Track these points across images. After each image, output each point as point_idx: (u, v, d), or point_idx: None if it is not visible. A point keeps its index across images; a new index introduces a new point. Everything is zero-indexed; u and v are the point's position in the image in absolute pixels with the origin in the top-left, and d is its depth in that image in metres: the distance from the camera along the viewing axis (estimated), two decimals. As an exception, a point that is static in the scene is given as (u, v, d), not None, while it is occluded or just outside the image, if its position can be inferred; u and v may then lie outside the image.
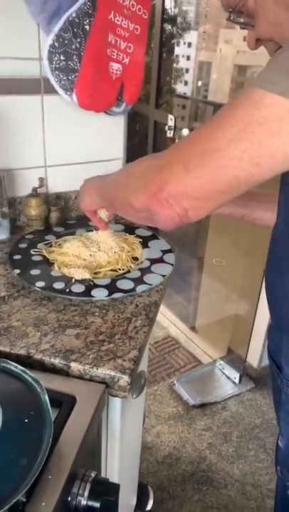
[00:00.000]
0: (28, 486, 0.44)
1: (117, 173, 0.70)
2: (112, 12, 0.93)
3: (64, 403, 0.58)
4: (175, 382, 1.93)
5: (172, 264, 0.92)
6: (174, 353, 2.20)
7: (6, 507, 0.42)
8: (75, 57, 0.93)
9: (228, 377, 1.98)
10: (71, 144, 1.10)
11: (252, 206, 0.79)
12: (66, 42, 0.91)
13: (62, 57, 0.92)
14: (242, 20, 0.60)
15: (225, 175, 0.48)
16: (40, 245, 0.95)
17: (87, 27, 0.92)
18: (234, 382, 1.96)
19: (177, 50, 3.30)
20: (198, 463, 1.60)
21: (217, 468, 1.58)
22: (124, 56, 0.99)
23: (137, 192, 0.56)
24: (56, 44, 0.91)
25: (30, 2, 0.87)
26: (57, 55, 0.92)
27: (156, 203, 0.53)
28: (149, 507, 1.37)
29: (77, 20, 0.91)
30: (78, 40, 0.92)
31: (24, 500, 0.45)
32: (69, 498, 0.52)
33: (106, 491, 0.55)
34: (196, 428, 1.73)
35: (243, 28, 0.62)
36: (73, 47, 0.92)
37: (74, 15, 0.90)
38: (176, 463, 1.59)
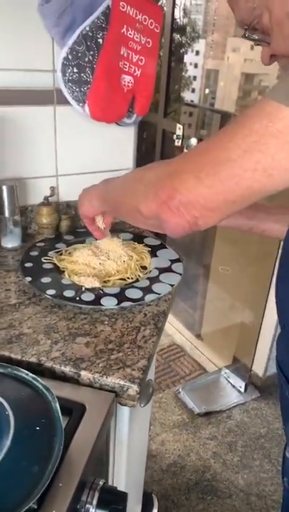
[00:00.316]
0: (39, 494, 0.45)
1: (122, 178, 0.70)
2: (125, 26, 0.95)
3: (74, 411, 0.59)
4: (180, 390, 1.93)
5: (180, 274, 0.93)
6: (180, 360, 2.20)
7: (19, 514, 0.43)
8: (87, 69, 0.95)
9: (234, 386, 1.98)
10: (82, 154, 1.12)
11: (260, 218, 0.80)
12: (79, 55, 0.93)
13: (75, 70, 0.94)
14: (257, 36, 0.61)
15: (237, 185, 0.48)
16: (50, 253, 0.97)
17: (100, 40, 0.94)
18: (239, 391, 1.96)
19: (185, 58, 3.33)
20: (202, 472, 1.59)
21: (222, 478, 1.57)
22: (136, 69, 1.00)
23: (147, 199, 0.56)
24: (70, 57, 0.93)
25: (46, 16, 0.90)
26: (70, 68, 0.94)
27: (167, 210, 0.53)
28: (153, 515, 1.36)
29: (90, 33, 0.93)
30: (91, 53, 0.94)
31: (35, 507, 0.46)
32: (78, 506, 0.53)
33: (114, 500, 0.56)
34: (200, 437, 1.73)
35: (258, 45, 0.63)
36: (86, 59, 0.94)
37: (87, 28, 0.92)
38: (180, 471, 1.59)
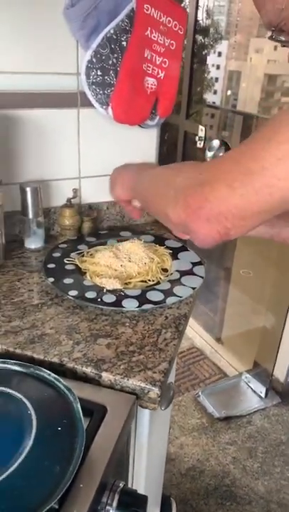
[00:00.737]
0: (61, 494, 0.45)
1: (152, 175, 0.68)
2: (149, 28, 0.95)
3: (95, 412, 0.59)
4: (200, 393, 1.91)
5: (202, 277, 0.92)
6: (199, 364, 2.19)
7: (40, 513, 0.43)
8: (111, 72, 0.96)
9: (254, 391, 1.95)
10: (105, 156, 1.12)
11: (281, 225, 0.78)
12: (103, 57, 0.94)
13: (99, 72, 0.95)
14: (283, 38, 0.60)
15: (271, 195, 0.47)
16: (73, 255, 0.97)
17: (124, 43, 0.95)
18: (260, 396, 1.93)
19: (208, 60, 3.32)
20: (222, 477, 1.58)
21: (241, 484, 1.55)
22: (160, 71, 1.00)
23: (176, 205, 0.55)
24: (94, 60, 0.94)
25: (71, 20, 0.91)
26: (94, 70, 0.95)
27: (196, 220, 0.52)
28: (171, 519, 1.36)
29: (114, 36, 0.93)
30: (115, 55, 0.95)
31: (57, 507, 0.47)
32: (98, 508, 0.53)
33: (134, 503, 0.56)
34: (220, 441, 1.71)
35: (284, 46, 0.62)
36: (110, 62, 0.95)
37: (112, 31, 0.93)
38: (199, 476, 1.58)
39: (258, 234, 0.78)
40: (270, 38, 0.60)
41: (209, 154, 2.09)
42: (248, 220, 0.51)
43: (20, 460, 0.49)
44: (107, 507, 0.54)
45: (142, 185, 0.70)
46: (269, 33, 0.59)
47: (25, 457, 0.49)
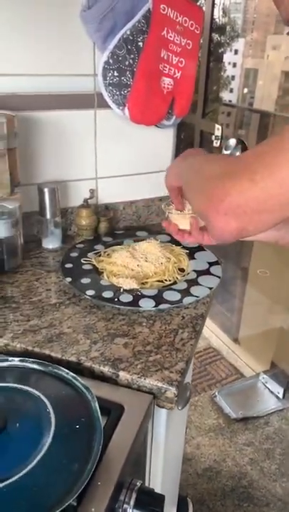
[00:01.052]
0: (79, 491, 0.46)
1: (192, 161, 0.65)
2: (165, 28, 0.95)
3: (112, 411, 0.59)
4: (216, 394, 1.90)
5: (219, 277, 0.92)
6: (216, 364, 2.17)
7: (59, 510, 0.44)
8: (128, 73, 0.96)
9: (272, 392, 1.93)
10: (121, 157, 1.13)
11: (287, 229, 0.75)
12: (120, 58, 0.95)
13: (115, 73, 0.96)
14: None
15: None
16: (90, 254, 0.98)
17: (140, 43, 0.95)
18: (278, 397, 1.91)
19: (224, 58, 3.29)
20: (239, 478, 1.57)
21: (259, 486, 1.54)
22: (176, 71, 1.00)
23: (200, 195, 0.54)
24: (111, 61, 0.94)
25: (88, 22, 0.91)
26: (111, 71, 0.95)
27: (214, 213, 0.51)
28: (188, 519, 1.36)
29: (131, 37, 0.94)
30: (132, 56, 0.95)
31: (75, 504, 0.47)
32: (116, 506, 0.53)
33: (152, 502, 0.56)
34: (237, 442, 1.70)
35: None
36: (127, 63, 0.95)
37: (128, 32, 0.93)
38: (216, 476, 1.57)
39: (264, 237, 0.74)
40: None
41: (226, 153, 2.08)
42: (268, 215, 0.49)
43: (39, 457, 0.50)
44: (125, 505, 0.55)
45: (182, 172, 0.68)
46: (288, 29, 0.59)
47: (44, 454, 0.50)
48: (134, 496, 0.56)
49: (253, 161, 0.49)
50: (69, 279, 0.88)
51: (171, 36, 0.97)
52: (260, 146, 0.50)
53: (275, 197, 0.47)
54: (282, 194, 0.47)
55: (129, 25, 0.92)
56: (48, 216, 1.01)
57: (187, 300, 0.83)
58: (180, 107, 1.04)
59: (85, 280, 0.88)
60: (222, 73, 3.18)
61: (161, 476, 0.79)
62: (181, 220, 0.75)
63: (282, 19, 0.60)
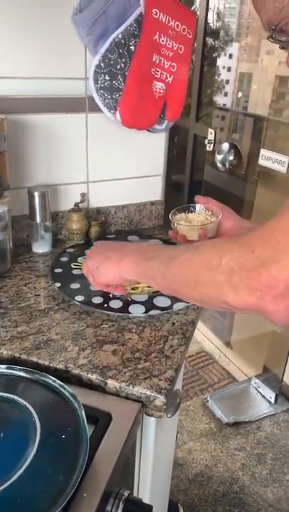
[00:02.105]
0: (64, 503, 0.45)
1: (182, 258, 0.58)
2: (157, 33, 0.95)
3: (100, 420, 0.59)
4: (208, 398, 1.90)
5: (210, 282, 0.91)
6: (208, 368, 2.17)
7: (43, 523, 0.43)
8: (119, 76, 0.96)
9: (264, 397, 1.93)
10: (113, 161, 1.12)
11: None
12: (112, 62, 0.94)
13: (107, 77, 0.95)
14: (284, 38, 0.58)
15: None
16: (80, 259, 0.97)
17: (132, 47, 0.95)
18: (269, 402, 1.90)
19: (218, 62, 3.30)
20: (230, 484, 1.56)
21: (250, 491, 1.53)
22: (168, 75, 1.00)
23: (238, 291, 0.50)
24: (102, 64, 0.94)
25: (79, 25, 0.91)
26: (102, 75, 0.95)
27: (272, 301, 0.48)
28: (178, 526, 1.35)
29: (122, 41, 0.93)
30: (123, 60, 0.95)
31: (60, 516, 0.46)
32: (103, 517, 0.52)
33: (139, 512, 0.55)
34: (228, 447, 1.69)
35: (283, 48, 0.60)
36: (118, 67, 0.95)
37: (120, 36, 0.93)
38: (207, 482, 1.56)
39: None
40: (270, 38, 0.58)
41: (219, 157, 2.08)
42: None
43: (23, 468, 0.49)
44: (112, 516, 0.54)
45: (166, 273, 0.60)
46: (268, 34, 0.58)
47: (28, 465, 0.49)
48: (121, 506, 0.55)
49: (286, 237, 0.47)
50: (58, 285, 0.87)
51: (163, 40, 0.96)
52: (285, 217, 0.47)
53: None
54: None
55: (121, 28, 0.92)
56: (38, 220, 1.00)
57: (177, 306, 0.83)
58: (172, 112, 1.04)
59: (75, 285, 0.87)
60: (216, 77, 3.19)
61: (150, 484, 0.78)
62: (190, 232, 0.75)
63: (262, 23, 0.59)
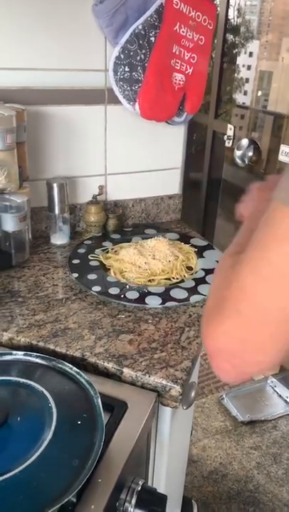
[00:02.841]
0: (79, 487, 0.45)
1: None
2: (178, 23, 0.94)
3: (116, 408, 0.58)
4: (224, 396, 1.88)
5: (228, 276, 0.90)
6: (224, 366, 2.15)
7: (58, 505, 0.43)
8: (139, 68, 0.95)
9: (280, 396, 1.90)
10: (131, 153, 1.12)
11: None
12: (131, 53, 0.94)
13: (126, 69, 0.95)
14: None
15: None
16: (97, 251, 0.97)
17: (152, 38, 0.94)
18: (286, 402, 1.88)
19: (238, 60, 3.27)
20: (245, 482, 1.54)
21: (265, 490, 1.51)
22: (188, 66, 0.99)
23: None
24: (122, 56, 0.94)
25: (100, 16, 0.91)
26: (122, 67, 0.95)
27: (211, 355, 0.41)
28: (192, 522, 1.34)
29: (143, 32, 0.93)
30: (143, 51, 0.94)
31: (74, 500, 0.46)
32: (117, 504, 0.52)
33: (153, 501, 0.55)
34: (244, 445, 1.68)
35: None
36: (138, 58, 0.95)
37: (140, 27, 0.92)
38: (221, 479, 1.55)
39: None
40: None
41: (238, 153, 2.06)
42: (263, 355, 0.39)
43: (39, 452, 0.49)
44: (126, 504, 0.54)
45: None
46: None
47: (44, 450, 0.49)
48: (135, 494, 0.55)
49: (231, 301, 0.38)
50: (76, 275, 0.87)
51: (183, 31, 0.96)
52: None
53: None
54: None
55: (141, 19, 0.92)
56: (57, 212, 1.01)
57: (194, 298, 0.82)
58: (191, 104, 1.03)
59: (92, 276, 0.87)
60: (236, 75, 3.16)
61: (165, 476, 0.77)
62: None
63: None
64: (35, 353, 0.64)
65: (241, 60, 3.36)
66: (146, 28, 0.93)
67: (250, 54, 3.44)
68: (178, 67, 0.99)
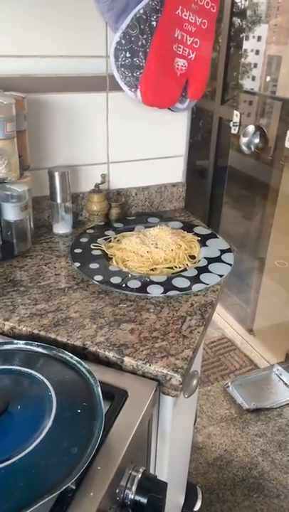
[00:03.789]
0: (78, 474, 0.45)
1: None
2: (180, 7, 0.92)
3: (116, 397, 0.59)
4: (229, 384, 1.89)
5: (231, 264, 0.90)
6: (230, 354, 2.15)
7: (57, 492, 0.43)
8: (140, 53, 0.94)
9: (286, 384, 1.90)
10: (133, 141, 1.11)
11: None
12: (133, 39, 0.92)
13: (128, 54, 0.93)
14: None
15: None
16: (99, 240, 0.97)
17: (154, 23, 0.92)
18: (292, 390, 1.88)
19: (245, 45, 3.20)
20: (249, 469, 1.55)
21: (269, 477, 1.53)
22: (190, 51, 0.97)
23: None
24: (123, 41, 0.92)
25: (100, 0, 0.89)
26: (123, 52, 0.93)
27: None
28: (196, 508, 1.35)
29: (144, 16, 0.91)
30: (145, 36, 0.93)
31: (74, 487, 0.47)
32: (117, 491, 0.52)
33: (154, 488, 0.56)
34: (248, 433, 1.69)
35: None
36: (139, 43, 0.93)
37: (141, 11, 0.90)
38: (226, 466, 1.56)
39: None
40: None
41: (244, 140, 2.03)
42: None
43: (39, 439, 0.49)
44: (126, 491, 0.54)
45: None
46: None
47: (44, 437, 0.50)
48: (136, 481, 0.55)
49: None
50: (77, 264, 0.87)
51: (185, 15, 0.94)
52: None
53: None
54: None
55: (143, 3, 0.90)
56: (59, 201, 1.00)
57: (196, 287, 0.81)
58: (194, 90, 1.01)
59: (94, 265, 0.87)
60: (243, 59, 3.10)
61: (167, 463, 0.78)
62: None
63: None
64: (36, 342, 0.64)
65: (249, 44, 3.30)
66: (148, 12, 0.91)
67: (259, 38, 3.36)
68: (180, 52, 0.97)
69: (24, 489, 0.44)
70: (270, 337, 2.21)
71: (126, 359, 0.65)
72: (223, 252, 0.95)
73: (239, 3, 2.88)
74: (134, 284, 0.82)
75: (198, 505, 1.36)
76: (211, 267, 0.89)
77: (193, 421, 1.17)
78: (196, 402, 1.17)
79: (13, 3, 0.87)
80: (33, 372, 0.59)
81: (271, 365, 2.01)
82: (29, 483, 0.45)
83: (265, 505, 1.44)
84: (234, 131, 2.10)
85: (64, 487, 0.44)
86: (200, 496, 1.39)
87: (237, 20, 2.88)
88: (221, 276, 0.86)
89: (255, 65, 3.43)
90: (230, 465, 1.57)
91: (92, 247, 0.95)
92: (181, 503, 1.27)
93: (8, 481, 0.45)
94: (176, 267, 0.89)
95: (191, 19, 0.95)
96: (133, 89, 0.96)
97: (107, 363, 0.66)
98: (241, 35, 3.11)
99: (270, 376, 1.96)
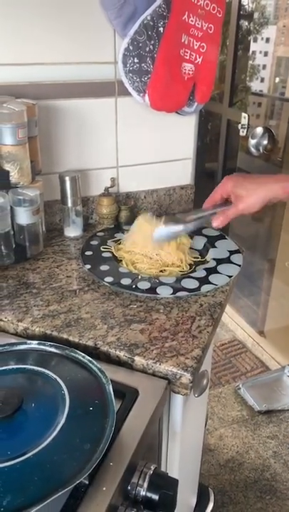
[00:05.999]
0: (91, 469, 0.46)
1: None
2: (187, 13, 0.94)
3: (127, 395, 0.60)
4: (240, 386, 1.89)
5: (239, 265, 0.91)
6: (241, 356, 2.15)
7: (71, 487, 0.45)
8: (148, 59, 0.95)
9: (298, 386, 1.90)
10: (142, 145, 1.12)
11: None
12: (140, 45, 0.94)
13: (136, 60, 0.95)
14: None
15: None
16: (109, 242, 0.99)
17: (161, 29, 0.94)
18: (304, 391, 1.87)
19: (254, 47, 3.21)
20: (261, 471, 1.55)
21: (282, 479, 1.52)
22: (197, 56, 0.99)
23: None
24: (131, 47, 0.94)
25: (108, 8, 0.91)
26: (131, 58, 0.95)
27: None
28: (208, 509, 1.36)
29: (151, 23, 0.93)
30: (152, 42, 0.94)
31: (87, 482, 0.48)
32: (128, 487, 0.54)
33: (165, 485, 0.56)
34: (260, 435, 1.68)
35: None
36: (147, 49, 0.95)
37: (149, 18, 0.92)
38: (238, 468, 1.56)
39: None
40: None
41: (252, 142, 2.04)
42: None
43: (52, 436, 0.51)
44: (138, 487, 0.55)
45: None
46: None
47: (57, 434, 0.51)
48: (147, 478, 0.56)
49: None
50: (88, 266, 0.89)
51: (192, 20, 0.95)
52: None
53: None
54: None
55: (150, 10, 0.91)
56: (70, 205, 1.02)
57: (205, 288, 0.82)
58: (201, 93, 1.03)
59: (104, 267, 0.89)
60: (251, 62, 3.10)
61: (178, 462, 0.79)
62: None
63: None
64: (49, 342, 0.66)
65: (257, 46, 3.29)
66: (155, 18, 0.92)
67: (267, 40, 3.36)
68: (187, 57, 0.98)
69: (39, 483, 0.46)
70: (281, 339, 2.20)
71: (136, 358, 0.66)
72: (232, 253, 0.96)
73: (246, 6, 2.89)
74: (144, 285, 0.83)
75: (210, 507, 1.36)
76: (219, 267, 0.90)
77: (204, 422, 1.18)
78: (207, 403, 1.17)
79: (22, 13, 0.89)
80: (46, 372, 0.61)
81: (282, 367, 2.00)
82: (44, 477, 0.46)
83: (277, 507, 1.43)
84: (242, 133, 2.10)
85: (77, 482, 0.45)
86: (212, 497, 1.39)
87: (244, 23, 2.89)
88: (229, 277, 0.86)
89: (264, 67, 3.43)
90: (242, 467, 1.56)
91: (102, 249, 0.96)
92: (193, 505, 1.28)
93: (23, 475, 0.46)
94: (184, 268, 0.90)
95: (198, 24, 0.96)
96: (141, 94, 0.98)
97: (118, 362, 0.68)
98: (249, 38, 3.12)
99: (282, 378, 1.96)
